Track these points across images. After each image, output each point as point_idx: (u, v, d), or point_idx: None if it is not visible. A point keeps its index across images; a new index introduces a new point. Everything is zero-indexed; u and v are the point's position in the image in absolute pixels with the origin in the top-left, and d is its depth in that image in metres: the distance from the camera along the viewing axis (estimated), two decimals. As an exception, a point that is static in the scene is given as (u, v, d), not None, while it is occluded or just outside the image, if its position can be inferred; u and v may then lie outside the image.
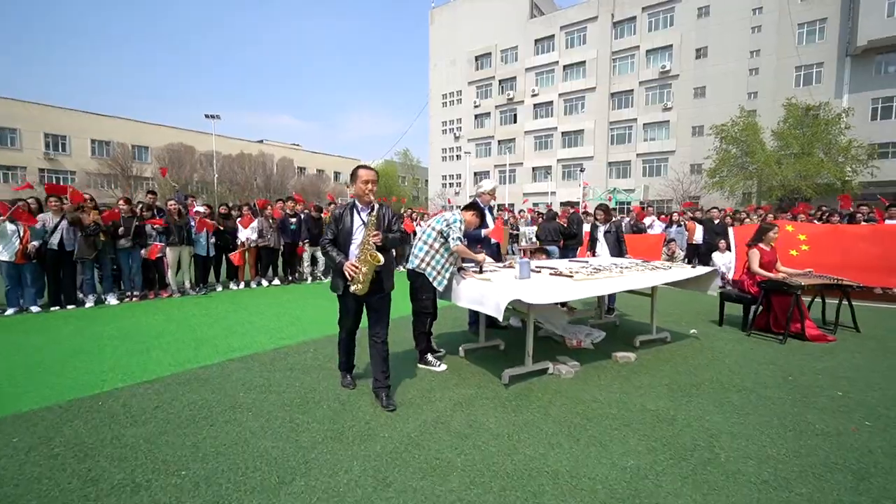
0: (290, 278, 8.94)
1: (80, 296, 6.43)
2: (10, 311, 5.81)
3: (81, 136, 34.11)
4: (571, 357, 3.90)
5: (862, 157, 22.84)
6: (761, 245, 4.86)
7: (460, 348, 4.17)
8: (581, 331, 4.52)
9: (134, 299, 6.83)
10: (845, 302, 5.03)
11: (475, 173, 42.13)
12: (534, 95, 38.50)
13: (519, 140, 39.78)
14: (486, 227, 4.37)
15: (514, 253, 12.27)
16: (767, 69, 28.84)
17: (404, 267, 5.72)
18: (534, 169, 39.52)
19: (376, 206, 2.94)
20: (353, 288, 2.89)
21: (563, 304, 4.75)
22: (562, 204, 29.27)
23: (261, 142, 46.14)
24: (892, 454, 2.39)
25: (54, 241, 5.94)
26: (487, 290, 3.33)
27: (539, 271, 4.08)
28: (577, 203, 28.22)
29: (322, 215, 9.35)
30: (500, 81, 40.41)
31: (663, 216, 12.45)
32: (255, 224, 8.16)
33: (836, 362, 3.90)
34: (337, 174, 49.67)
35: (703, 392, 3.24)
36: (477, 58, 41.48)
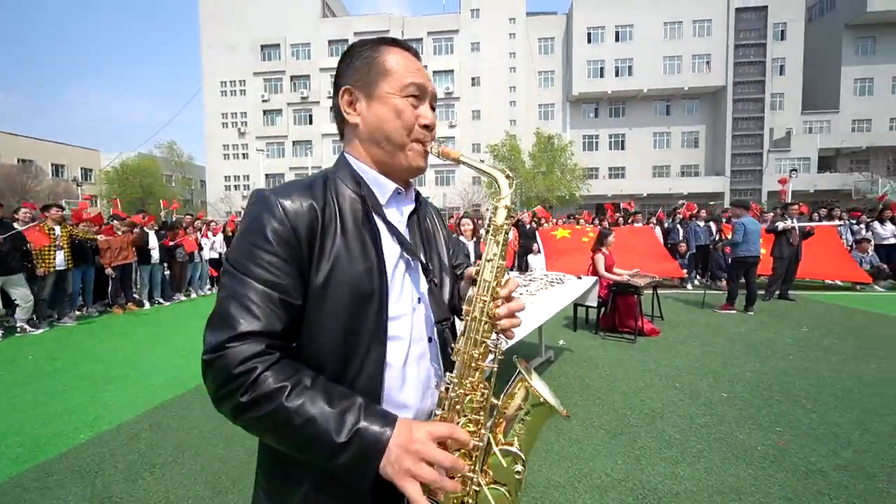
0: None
1: None
2: None
3: None
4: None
5: (582, 177, 31.13)
6: (603, 249, 5.47)
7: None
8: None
9: None
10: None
11: (267, 175, 37.49)
12: (330, 97, 37.00)
13: (317, 143, 37.62)
14: None
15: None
16: (521, 103, 35.97)
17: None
18: (334, 174, 38.10)
19: (504, 186, 0.73)
20: None
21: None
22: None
23: None
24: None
25: None
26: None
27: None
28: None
29: (45, 226, 5.99)
30: (292, 77, 37.28)
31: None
32: None
33: (683, 358, 4.63)
34: (58, 168, 35.33)
35: (590, 402, 3.18)
36: (263, 47, 37.09)
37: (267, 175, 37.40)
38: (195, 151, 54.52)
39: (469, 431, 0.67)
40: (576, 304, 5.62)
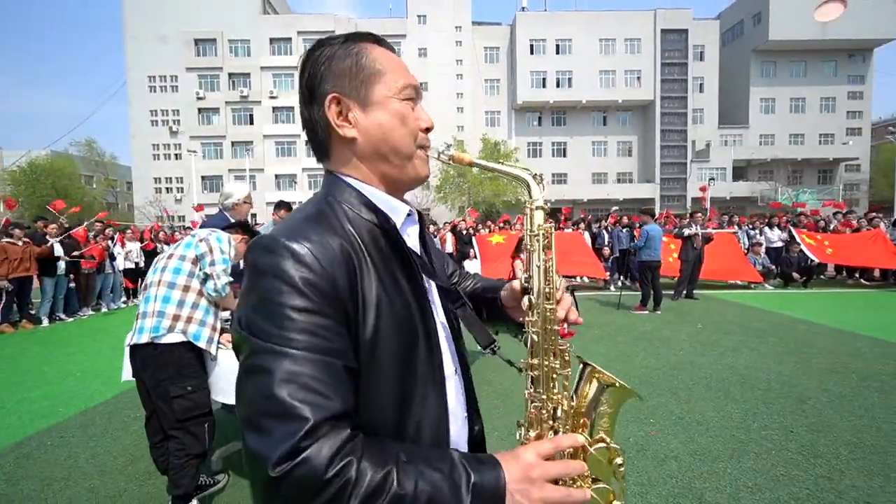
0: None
1: None
2: None
3: None
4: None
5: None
6: (522, 255, 5.73)
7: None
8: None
9: None
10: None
11: (203, 177, 35.35)
12: (272, 97, 35.69)
13: (258, 143, 36.03)
14: None
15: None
16: (468, 109, 36.67)
17: None
18: (277, 176, 36.66)
19: (534, 186, 0.72)
20: None
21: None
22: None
23: None
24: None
25: None
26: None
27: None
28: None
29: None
30: (230, 75, 35.46)
31: None
32: None
33: (589, 357, 4.92)
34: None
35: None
36: (198, 41, 34.99)
37: (203, 177, 35.28)
38: (120, 151, 50.10)
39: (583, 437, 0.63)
40: (497, 309, 5.85)
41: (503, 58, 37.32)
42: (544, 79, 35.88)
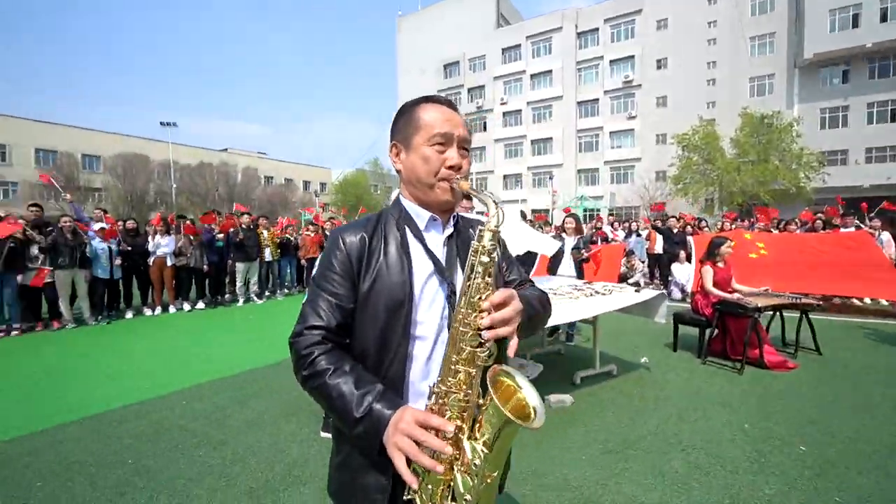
0: (218, 300, 8.03)
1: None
2: None
3: (24, 146, 31.70)
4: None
5: (814, 164, 23.59)
6: (714, 261, 4.41)
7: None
8: (514, 364, 3.90)
9: (14, 333, 5.81)
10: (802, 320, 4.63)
11: (446, 182, 41.68)
12: (503, 104, 38.57)
13: (489, 148, 39.71)
14: None
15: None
16: (723, 80, 29.70)
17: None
18: (505, 176, 39.47)
19: (492, 212, 0.83)
20: None
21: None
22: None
23: (225, 150, 44.28)
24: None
25: None
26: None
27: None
28: (546, 211, 28.12)
29: (261, 230, 8.45)
30: (469, 90, 40.37)
31: (617, 223, 12.14)
32: (170, 241, 7.25)
33: (798, 399, 3.42)
34: (306, 183, 48.12)
35: (642, 453, 2.65)
36: (446, 66, 41.37)
37: (446, 181, 41.64)
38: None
39: (456, 426, 0.75)
40: (676, 323, 4.70)
41: (781, 3, 28.33)
42: (856, 14, 25.26)
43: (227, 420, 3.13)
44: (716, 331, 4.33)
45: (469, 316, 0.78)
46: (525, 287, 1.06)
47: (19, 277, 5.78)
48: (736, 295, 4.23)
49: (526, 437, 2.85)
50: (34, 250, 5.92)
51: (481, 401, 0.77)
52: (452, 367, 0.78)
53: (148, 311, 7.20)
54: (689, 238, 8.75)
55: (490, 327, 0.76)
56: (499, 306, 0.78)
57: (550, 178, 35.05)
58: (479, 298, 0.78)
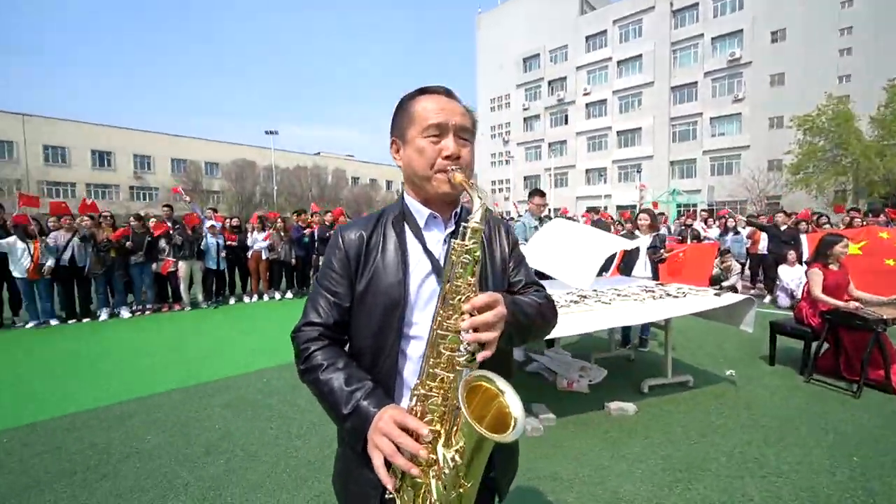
0: (304, 291, 8.84)
1: (95, 308, 6.72)
2: (31, 325, 6.15)
3: (163, 156, 37.93)
4: (552, 404, 3.14)
5: None
6: (825, 263, 3.73)
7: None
8: (576, 367, 3.71)
9: (147, 312, 7.01)
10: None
11: (525, 177, 41.00)
12: (586, 94, 36.66)
13: (570, 141, 38.08)
14: None
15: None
16: (863, 47, 24.93)
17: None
18: (587, 171, 37.55)
19: (476, 208, 0.79)
20: None
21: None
22: (588, 209, 27.30)
23: (317, 154, 48.40)
24: None
25: (66, 257, 6.21)
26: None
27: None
28: (632, 207, 26.13)
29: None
30: (549, 82, 39.07)
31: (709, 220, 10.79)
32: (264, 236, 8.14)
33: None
34: (389, 183, 50.72)
35: (711, 475, 2.35)
36: (525, 60, 40.51)
37: (525, 177, 40.89)
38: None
39: (433, 429, 0.73)
40: (774, 333, 4.07)
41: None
42: None
43: (297, 399, 3.44)
44: (826, 345, 3.67)
45: (448, 318, 0.75)
46: (528, 291, 1.00)
47: (153, 266, 6.96)
48: (853, 304, 3.54)
49: (575, 441, 2.72)
50: (162, 243, 7.07)
51: (446, 398, 0.75)
52: (431, 370, 0.76)
53: (246, 299, 8.18)
54: (803, 237, 7.54)
55: (471, 330, 0.73)
56: (481, 309, 0.74)
57: (638, 172, 32.58)
58: (460, 300, 0.75)
